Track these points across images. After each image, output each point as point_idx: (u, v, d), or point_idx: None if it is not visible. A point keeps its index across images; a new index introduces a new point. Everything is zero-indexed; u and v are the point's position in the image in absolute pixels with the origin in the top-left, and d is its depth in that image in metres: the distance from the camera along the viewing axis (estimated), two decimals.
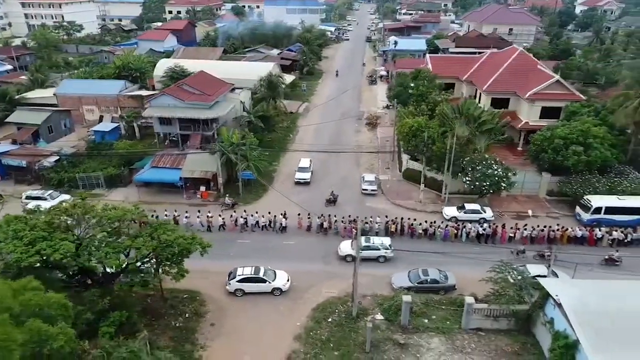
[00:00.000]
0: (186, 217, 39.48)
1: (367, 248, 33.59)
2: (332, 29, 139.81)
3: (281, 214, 39.35)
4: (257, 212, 40.19)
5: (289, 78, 70.33)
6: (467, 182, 40.27)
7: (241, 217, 39.99)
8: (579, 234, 36.69)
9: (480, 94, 54.77)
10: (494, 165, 39.34)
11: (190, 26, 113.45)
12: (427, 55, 64.63)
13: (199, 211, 40.66)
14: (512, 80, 52.91)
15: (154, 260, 26.53)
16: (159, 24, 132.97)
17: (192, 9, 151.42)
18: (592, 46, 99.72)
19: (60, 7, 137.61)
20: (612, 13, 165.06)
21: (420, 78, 53.25)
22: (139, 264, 26.00)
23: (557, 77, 49.35)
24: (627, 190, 39.27)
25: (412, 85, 52.71)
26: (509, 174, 39.75)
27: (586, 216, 38.64)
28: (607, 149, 39.72)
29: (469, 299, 27.22)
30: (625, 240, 36.91)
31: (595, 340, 21.93)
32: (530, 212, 40.84)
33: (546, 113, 49.48)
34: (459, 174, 41.09)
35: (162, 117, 49.64)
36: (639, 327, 22.68)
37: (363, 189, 44.43)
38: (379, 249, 34.30)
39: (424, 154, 41.96)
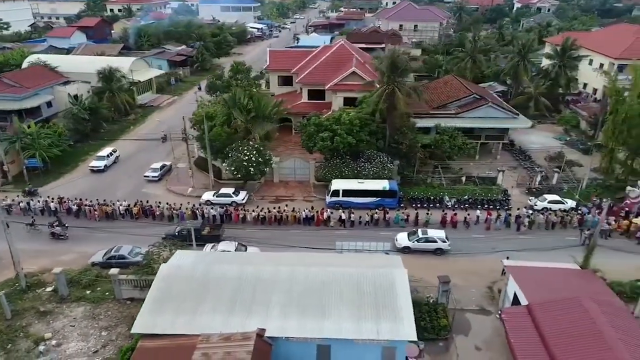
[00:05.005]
0: None
1: None
2: (261, 26, 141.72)
3: (56, 199, 41.41)
4: (42, 198, 42.18)
5: (144, 74, 72.11)
6: (226, 168, 42.27)
7: (20, 202, 42.01)
8: (304, 216, 38.65)
9: None
10: (245, 151, 41.17)
11: (104, 23, 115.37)
12: (268, 50, 66.37)
13: None
14: (326, 73, 54.62)
15: None
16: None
17: (128, 7, 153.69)
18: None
19: None
20: (548, 10, 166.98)
21: (238, 70, 55.08)
22: None
23: (353, 68, 51.18)
24: (369, 175, 41.26)
25: (227, 76, 54.63)
26: (262, 160, 41.53)
27: (328, 199, 40.64)
28: (356, 135, 41.52)
29: (113, 271, 29.17)
30: (352, 220, 39.07)
31: (156, 304, 23.76)
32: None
33: (348, 103, 51.32)
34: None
35: None
36: (211, 293, 24.41)
37: (145, 176, 46.41)
38: None
39: (186, 141, 43.77)
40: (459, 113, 49.06)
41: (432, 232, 35.28)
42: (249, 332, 21.88)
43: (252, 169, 41.07)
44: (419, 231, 35.45)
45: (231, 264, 26.46)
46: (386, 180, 40.73)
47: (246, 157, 40.95)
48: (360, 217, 39.58)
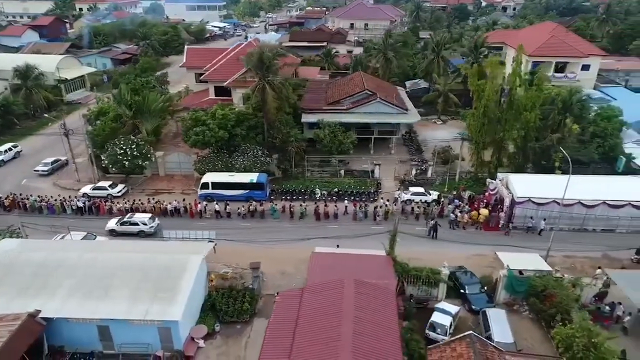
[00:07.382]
0: None
1: None
2: (224, 25, 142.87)
3: None
4: None
5: (74, 71, 73.19)
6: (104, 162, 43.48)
7: None
8: (170, 208, 39.82)
9: None
10: (121, 145, 42.29)
11: (59, 22, 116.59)
12: (186, 47, 67.46)
13: None
14: (231, 70, 55.68)
15: None
16: None
17: (94, 6, 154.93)
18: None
19: None
20: (514, 9, 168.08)
21: (145, 68, 56.20)
22: None
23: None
24: (241, 168, 42.44)
25: (135, 74, 55.81)
26: (140, 154, 42.67)
27: (199, 191, 41.82)
28: (231, 130, 42.71)
29: None
30: (227, 211, 40.30)
31: None
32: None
33: (248, 99, 52.50)
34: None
35: None
36: (9, 278, 25.68)
37: (35, 170, 47.64)
38: None
39: (67, 136, 44.86)
40: (350, 108, 50.29)
41: (137, 217, 37.46)
42: (21, 313, 23.09)
43: (126, 163, 42.20)
44: (127, 216, 37.67)
45: (43, 251, 27.63)
46: (255, 174, 41.84)
47: (121, 151, 42.12)
48: (238, 208, 40.78)
